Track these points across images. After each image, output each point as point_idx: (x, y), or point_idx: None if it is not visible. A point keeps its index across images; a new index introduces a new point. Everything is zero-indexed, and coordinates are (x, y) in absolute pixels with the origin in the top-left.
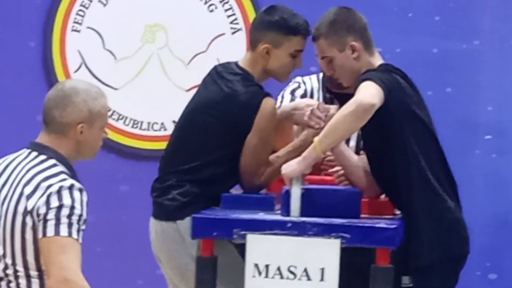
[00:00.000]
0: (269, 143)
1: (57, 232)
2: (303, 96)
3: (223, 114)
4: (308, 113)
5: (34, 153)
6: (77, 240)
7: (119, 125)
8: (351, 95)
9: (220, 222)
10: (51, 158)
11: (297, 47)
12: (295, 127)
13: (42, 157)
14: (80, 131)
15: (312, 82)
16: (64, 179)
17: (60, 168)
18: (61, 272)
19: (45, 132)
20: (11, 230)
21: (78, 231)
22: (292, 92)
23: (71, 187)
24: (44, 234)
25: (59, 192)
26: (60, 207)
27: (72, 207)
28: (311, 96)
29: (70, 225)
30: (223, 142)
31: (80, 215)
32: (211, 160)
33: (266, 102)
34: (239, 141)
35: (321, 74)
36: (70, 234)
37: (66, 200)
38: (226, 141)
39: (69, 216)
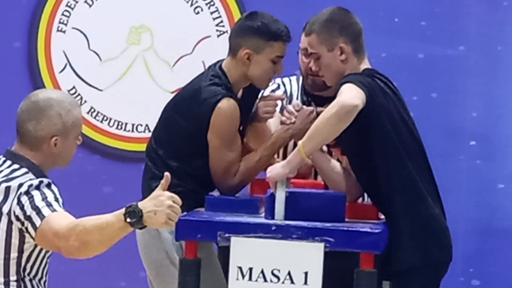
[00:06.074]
0: (233, 143)
1: (42, 218)
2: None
3: (187, 110)
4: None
5: (9, 162)
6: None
7: (103, 126)
8: (328, 98)
9: (205, 225)
10: (23, 167)
11: (278, 53)
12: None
13: (15, 166)
14: (54, 143)
15: (292, 84)
16: (32, 179)
17: (31, 176)
18: (60, 242)
19: (19, 142)
20: None
21: (59, 205)
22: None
23: (39, 185)
24: (35, 228)
25: (27, 191)
26: (31, 198)
27: (44, 194)
28: (290, 98)
29: (49, 204)
30: (188, 139)
31: (56, 198)
32: (180, 156)
33: (223, 102)
34: (200, 138)
35: (300, 78)
36: (53, 211)
37: (36, 193)
38: (190, 138)
39: (44, 199)
